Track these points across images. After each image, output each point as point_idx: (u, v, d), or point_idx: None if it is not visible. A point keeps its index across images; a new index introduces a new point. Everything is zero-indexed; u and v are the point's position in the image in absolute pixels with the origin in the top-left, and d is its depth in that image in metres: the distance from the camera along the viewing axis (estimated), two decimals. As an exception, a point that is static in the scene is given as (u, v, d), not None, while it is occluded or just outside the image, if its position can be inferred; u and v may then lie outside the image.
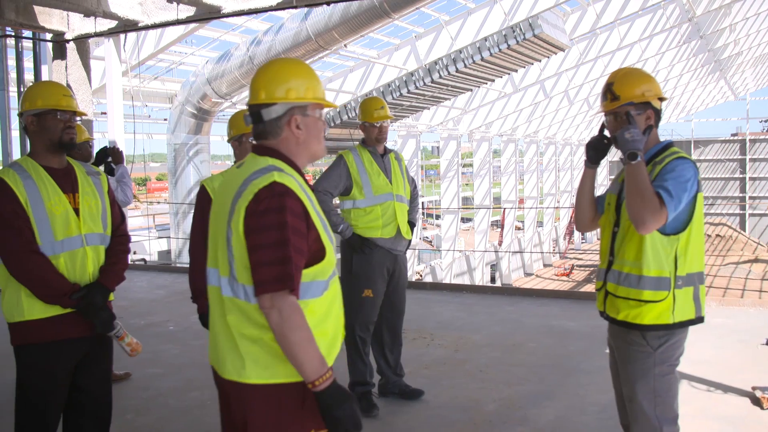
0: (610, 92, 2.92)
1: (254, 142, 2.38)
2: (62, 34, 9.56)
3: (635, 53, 23.07)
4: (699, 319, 2.91)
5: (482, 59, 18.64)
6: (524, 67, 20.40)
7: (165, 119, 19.29)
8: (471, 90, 21.98)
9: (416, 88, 20.26)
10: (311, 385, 2.10)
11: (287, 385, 2.18)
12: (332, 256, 2.28)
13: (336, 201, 4.78)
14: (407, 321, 7.14)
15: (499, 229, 32.94)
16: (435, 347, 6.32)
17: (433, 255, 32.66)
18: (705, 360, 5.65)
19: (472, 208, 31.07)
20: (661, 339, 2.85)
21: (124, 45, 10.90)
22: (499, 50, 18.24)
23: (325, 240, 2.25)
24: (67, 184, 3.17)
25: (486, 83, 21.42)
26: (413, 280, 28.55)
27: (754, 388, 4.88)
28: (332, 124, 21.96)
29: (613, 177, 3.19)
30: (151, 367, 5.76)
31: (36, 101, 3.18)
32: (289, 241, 2.09)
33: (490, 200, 31.27)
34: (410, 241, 4.87)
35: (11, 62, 10.48)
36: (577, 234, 41.18)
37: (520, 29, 17.68)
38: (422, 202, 32.50)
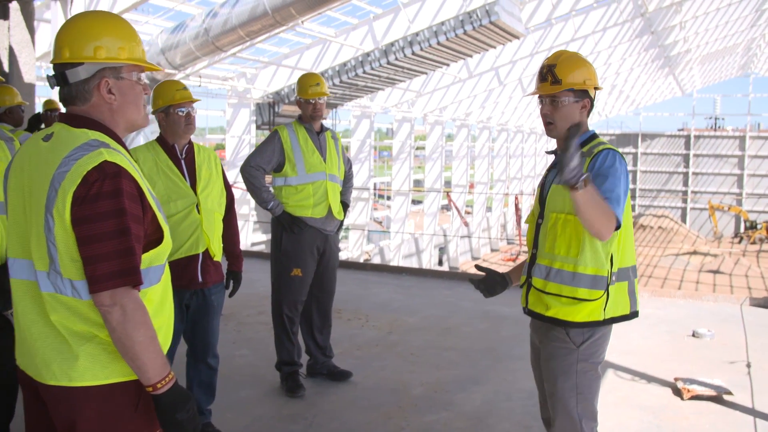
0: (551, 74, 2.78)
1: (63, 109, 2.07)
2: (6, -6, 9.30)
3: (588, 45, 23.41)
4: (634, 314, 2.86)
5: (438, 43, 18.70)
6: (479, 53, 20.53)
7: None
8: (426, 73, 22.07)
9: (372, 68, 20.27)
10: (152, 387, 1.93)
11: (122, 385, 1.97)
12: (168, 238, 2.07)
13: (268, 178, 4.72)
14: (344, 301, 7.27)
15: (449, 213, 33.22)
16: (369, 329, 6.40)
17: (382, 236, 32.78)
18: (632, 350, 5.86)
19: (423, 191, 31.27)
20: (584, 335, 2.78)
21: (71, 8, 10.66)
22: (456, 35, 18.33)
23: (161, 220, 2.04)
24: None
25: (441, 67, 21.52)
26: (362, 260, 28.68)
27: (676, 379, 5.07)
28: (286, 101, 21.85)
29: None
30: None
31: None
32: (130, 229, 1.87)
33: (441, 183, 31.48)
34: (342, 221, 4.87)
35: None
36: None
37: (477, 15, 17.80)
38: (374, 183, 32.58)
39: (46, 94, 18.29)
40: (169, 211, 3.62)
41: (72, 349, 1.93)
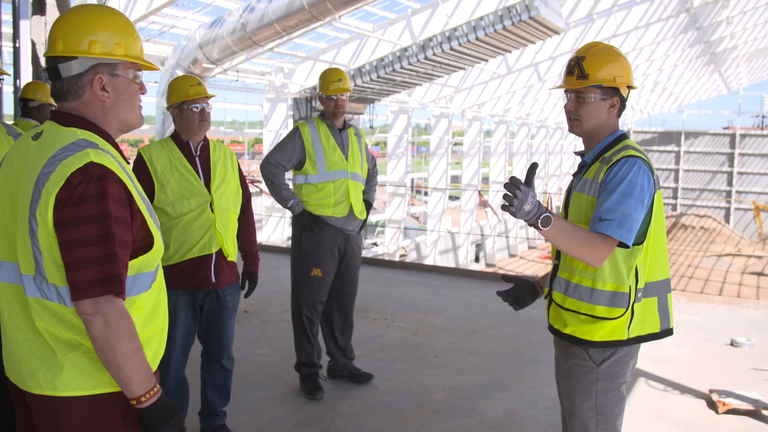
0: (578, 67, 2.59)
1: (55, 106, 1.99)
2: (42, -11, 9.38)
3: (631, 41, 22.92)
4: (666, 332, 2.65)
5: (477, 39, 18.53)
6: (519, 49, 20.28)
7: (155, 82, 19.09)
8: (464, 69, 21.88)
9: (409, 64, 20.19)
10: (135, 401, 1.85)
11: (109, 396, 1.90)
12: (160, 243, 2.00)
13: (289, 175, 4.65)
14: (371, 300, 7.16)
15: (487, 210, 32.93)
16: (394, 329, 6.29)
17: (418, 231, 32.65)
18: (665, 358, 5.65)
19: (460, 188, 31.05)
20: (605, 353, 2.58)
21: (105, 3, 10.70)
22: (495, 30, 18.15)
23: (151, 226, 1.95)
24: None
25: (480, 63, 21.31)
26: (398, 256, 28.57)
27: (711, 391, 4.87)
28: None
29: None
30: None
31: None
32: (114, 235, 1.79)
33: (479, 180, 31.23)
34: (365, 221, 4.75)
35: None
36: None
37: (516, 10, 17.59)
38: (411, 179, 32.39)
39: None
40: (182, 210, 3.54)
41: (57, 358, 1.85)
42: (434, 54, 19.43)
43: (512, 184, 2.30)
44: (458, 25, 18.44)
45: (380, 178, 30.25)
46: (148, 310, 1.96)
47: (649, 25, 22.09)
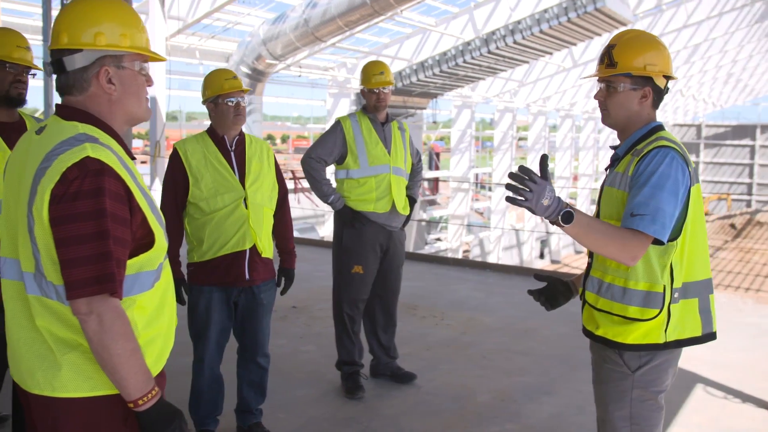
0: (608, 56, 2.46)
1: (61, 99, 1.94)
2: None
3: (702, 32, 22.14)
4: (708, 336, 2.47)
5: (541, 31, 18.22)
6: (584, 42, 19.83)
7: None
8: (528, 62, 21.54)
9: (472, 58, 20.00)
10: (133, 404, 1.78)
11: (108, 398, 1.83)
12: (162, 241, 1.93)
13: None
14: (420, 297, 7.05)
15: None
16: (442, 327, 6.15)
17: (482, 227, 32.33)
18: (727, 363, 5.36)
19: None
20: (641, 359, 2.42)
21: (164, 1, 10.85)
22: (559, 23, 17.81)
23: (153, 223, 1.88)
24: (14, 139, 3.06)
25: (544, 56, 20.95)
26: (461, 252, 28.35)
27: (775, 400, 4.63)
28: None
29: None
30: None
31: None
32: (108, 232, 1.72)
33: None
34: (409, 217, 4.64)
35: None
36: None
37: (582, 2, 17.21)
38: (475, 174, 32.09)
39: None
40: (216, 205, 3.50)
41: (56, 358, 1.80)
42: (497, 48, 19.18)
43: (523, 174, 2.16)
44: (522, 18, 18.18)
45: (443, 173, 30.12)
46: (151, 310, 1.90)
47: (722, 15, 21.31)
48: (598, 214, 2.56)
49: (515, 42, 18.88)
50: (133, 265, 1.84)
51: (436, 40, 20.27)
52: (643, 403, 2.46)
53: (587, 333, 2.59)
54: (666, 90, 2.51)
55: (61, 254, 1.72)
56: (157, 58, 1.97)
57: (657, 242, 2.31)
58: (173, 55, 19.66)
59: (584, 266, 2.76)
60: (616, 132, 2.57)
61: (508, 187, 2.18)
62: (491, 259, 28.86)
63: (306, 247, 9.69)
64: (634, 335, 2.39)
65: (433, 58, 20.65)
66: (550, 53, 20.36)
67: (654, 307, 2.36)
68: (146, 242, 1.87)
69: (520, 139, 33.84)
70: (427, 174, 28.57)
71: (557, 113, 31.46)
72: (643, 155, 2.37)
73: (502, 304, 7.02)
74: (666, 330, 2.39)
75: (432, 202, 29.69)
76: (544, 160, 2.21)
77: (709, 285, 2.47)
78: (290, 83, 24.34)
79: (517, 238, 29.98)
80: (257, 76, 18.26)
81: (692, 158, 2.57)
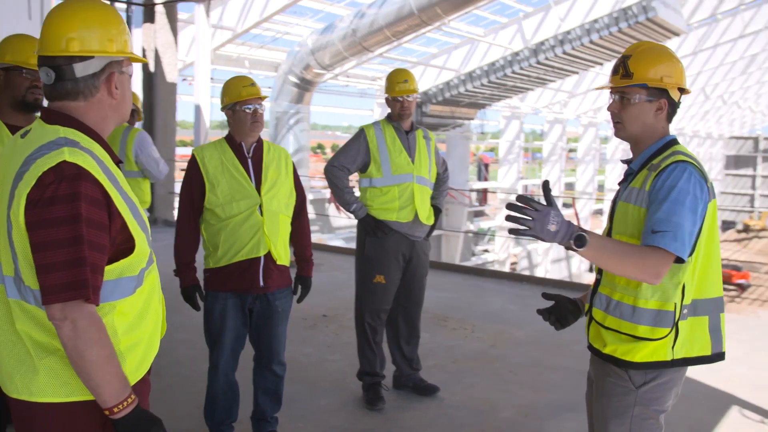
0: (623, 67, 2.40)
1: (46, 104, 1.92)
2: (152, -2, 9.76)
3: (760, 42, 21.56)
4: (718, 356, 2.39)
5: (591, 42, 18.03)
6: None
7: (269, 87, 19.64)
8: (578, 73, 21.31)
9: (521, 68, 19.89)
10: (109, 411, 1.76)
11: (86, 404, 1.81)
12: (144, 246, 1.90)
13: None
14: (452, 308, 6.95)
15: (603, 217, 31.85)
16: (472, 340, 6.02)
17: (530, 239, 31.95)
18: (767, 385, 5.15)
19: (574, 194, 30.14)
20: (647, 376, 2.35)
21: (209, 11, 11.01)
22: (610, 33, 17.61)
23: (133, 228, 1.85)
24: None
25: (594, 67, 20.68)
26: (508, 264, 28.07)
27: (815, 424, 4.42)
28: (434, 101, 21.81)
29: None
30: (180, 332, 5.64)
31: (5, 54, 3.05)
32: (83, 237, 1.70)
33: (594, 187, 30.27)
34: (433, 227, 4.56)
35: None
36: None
37: (633, 12, 16.97)
38: (524, 185, 31.78)
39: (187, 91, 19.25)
40: (231, 212, 3.50)
41: (34, 362, 1.79)
42: (546, 58, 19.04)
43: (522, 203, 2.10)
44: (571, 29, 17.99)
45: (491, 184, 29.88)
46: (133, 316, 1.89)
47: (782, 25, 20.73)
48: (609, 231, 2.48)
49: (565, 52, 18.72)
50: (113, 270, 1.82)
51: (484, 51, 20.17)
52: (643, 421, 2.37)
53: (594, 350, 2.50)
54: (679, 104, 2.44)
55: (36, 259, 1.71)
56: (138, 60, 1.98)
57: (678, 260, 2.22)
58: (223, 64, 19.97)
59: None
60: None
61: (508, 218, 2.12)
62: (539, 272, 28.49)
63: (344, 256, 9.68)
64: (642, 353, 2.31)
65: (481, 69, 20.58)
66: (601, 63, 20.10)
67: (665, 326, 2.28)
68: (126, 247, 1.85)
69: (570, 150, 33.38)
70: (476, 185, 28.41)
71: (608, 125, 31.03)
72: (660, 170, 2.29)
73: (536, 317, 6.76)
74: (673, 347, 2.30)
75: (480, 213, 29.49)
76: (546, 185, 2.17)
77: (720, 303, 2.38)
78: (338, 92, 24.52)
79: (566, 251, 29.57)
80: (305, 85, 18.44)
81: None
